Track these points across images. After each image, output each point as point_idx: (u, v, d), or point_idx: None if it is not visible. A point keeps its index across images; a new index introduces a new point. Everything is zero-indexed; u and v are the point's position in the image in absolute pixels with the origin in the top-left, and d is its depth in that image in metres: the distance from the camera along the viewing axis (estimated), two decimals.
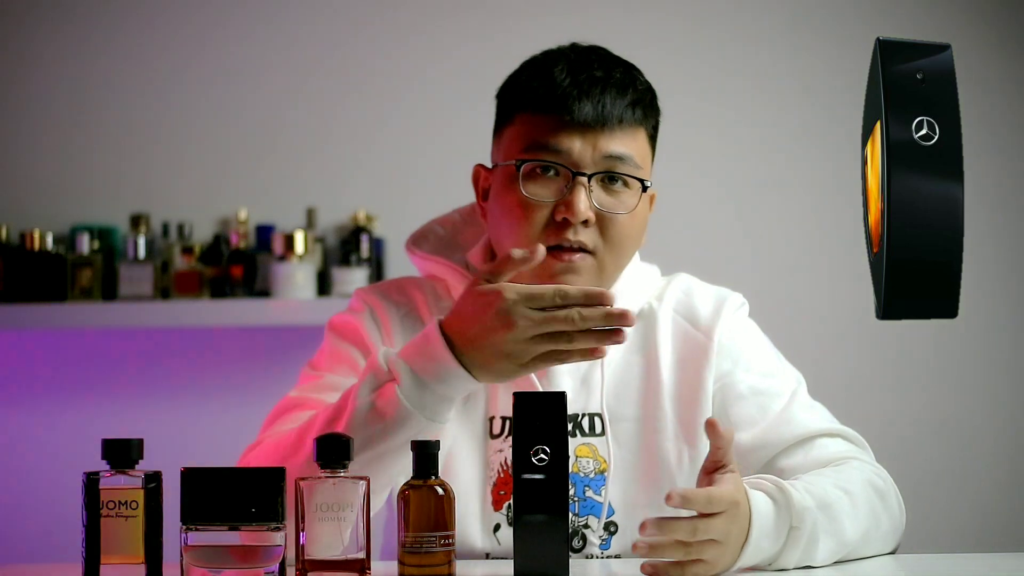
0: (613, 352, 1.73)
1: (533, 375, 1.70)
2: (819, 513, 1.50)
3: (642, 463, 1.72)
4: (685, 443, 1.72)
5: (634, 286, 1.77)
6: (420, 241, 1.82)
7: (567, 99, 1.66)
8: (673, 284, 1.81)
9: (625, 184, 1.68)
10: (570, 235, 1.65)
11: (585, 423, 1.72)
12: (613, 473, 1.70)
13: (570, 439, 1.70)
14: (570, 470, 1.69)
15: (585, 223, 1.65)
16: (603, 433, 1.71)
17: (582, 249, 1.66)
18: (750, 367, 1.76)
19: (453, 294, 1.77)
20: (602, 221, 1.66)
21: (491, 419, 1.72)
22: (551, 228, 1.66)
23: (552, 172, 1.67)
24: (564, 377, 1.72)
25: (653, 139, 1.74)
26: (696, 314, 1.78)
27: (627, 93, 1.68)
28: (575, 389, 1.72)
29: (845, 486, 1.57)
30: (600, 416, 1.72)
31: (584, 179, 1.65)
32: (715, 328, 1.76)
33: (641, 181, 1.68)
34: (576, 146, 1.66)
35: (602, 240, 1.67)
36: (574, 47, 1.74)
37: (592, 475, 1.70)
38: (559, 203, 1.65)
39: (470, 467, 1.70)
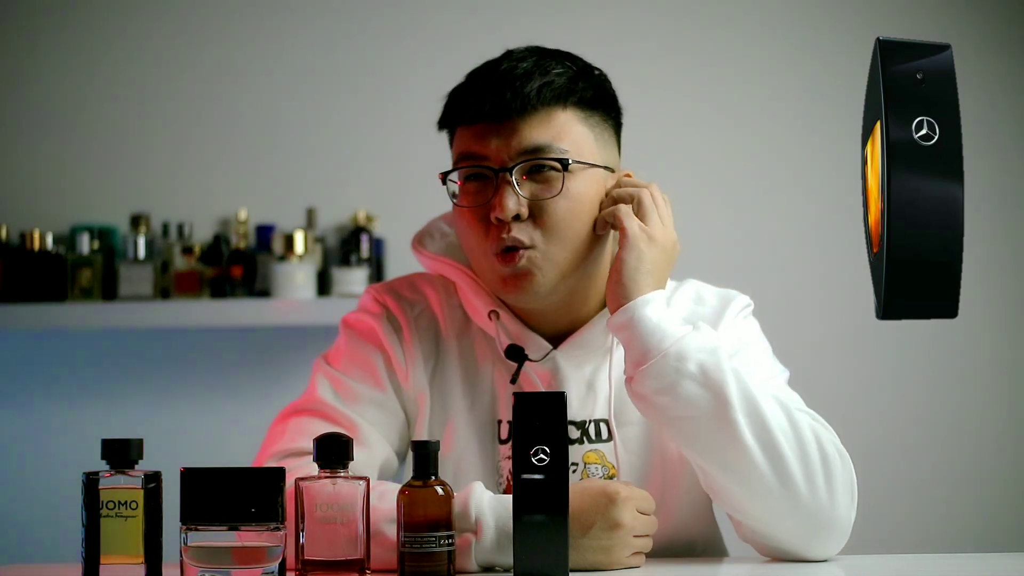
0: (618, 358, 1.73)
1: (537, 380, 1.70)
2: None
3: (648, 466, 1.71)
4: None
5: None
6: (426, 239, 1.81)
7: (473, 103, 1.65)
8: (681, 291, 1.79)
9: (554, 169, 1.64)
10: (503, 234, 1.64)
11: (592, 429, 1.71)
12: (622, 478, 1.69)
13: (578, 445, 1.70)
14: (580, 477, 1.69)
15: (517, 218, 1.64)
16: (610, 439, 1.70)
17: (520, 247, 1.64)
18: (738, 358, 1.72)
19: (460, 295, 1.77)
20: (537, 211, 1.64)
21: (499, 422, 1.72)
22: (493, 232, 1.65)
23: (481, 177, 1.66)
24: (571, 384, 1.71)
25: (593, 115, 1.68)
26: (701, 318, 1.75)
27: (531, 80, 1.64)
28: (581, 396, 1.71)
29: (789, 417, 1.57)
30: (607, 422, 1.71)
31: (507, 175, 1.64)
32: (717, 327, 1.74)
33: (562, 162, 1.64)
34: (492, 145, 1.64)
35: (539, 231, 1.64)
36: (505, 53, 1.71)
37: None
38: (492, 205, 1.64)
39: (478, 473, 1.70)
